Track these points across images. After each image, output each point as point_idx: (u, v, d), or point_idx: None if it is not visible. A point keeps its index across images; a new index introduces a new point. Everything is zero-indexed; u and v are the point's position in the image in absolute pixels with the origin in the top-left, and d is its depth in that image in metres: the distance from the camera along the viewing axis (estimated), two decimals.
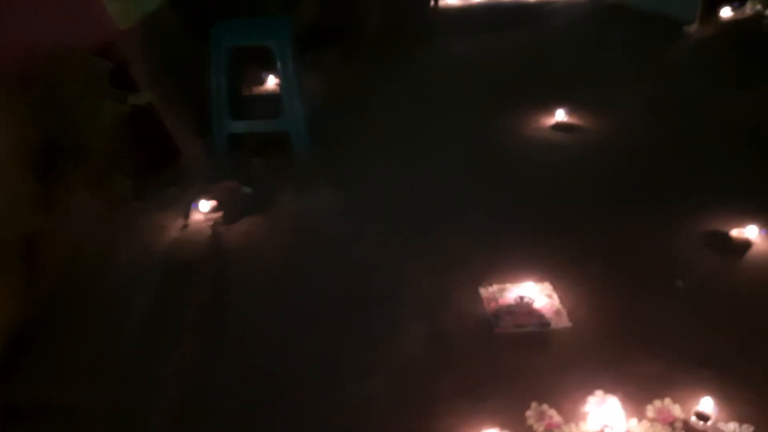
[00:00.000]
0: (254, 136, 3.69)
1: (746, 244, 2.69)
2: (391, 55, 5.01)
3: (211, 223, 3.02)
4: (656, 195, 3.11)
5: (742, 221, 2.78)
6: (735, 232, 2.75)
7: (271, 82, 4.37)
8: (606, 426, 1.92)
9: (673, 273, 2.55)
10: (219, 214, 3.08)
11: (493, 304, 2.45)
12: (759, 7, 5.09)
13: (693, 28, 5.15)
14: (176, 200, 3.17)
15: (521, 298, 2.46)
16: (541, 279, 2.55)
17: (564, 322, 2.35)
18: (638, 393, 2.02)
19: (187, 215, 3.06)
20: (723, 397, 1.98)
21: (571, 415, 1.98)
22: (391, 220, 3.03)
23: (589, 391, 2.03)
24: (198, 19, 3.76)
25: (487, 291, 2.52)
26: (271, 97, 4.11)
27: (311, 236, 2.95)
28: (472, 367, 2.17)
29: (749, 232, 2.73)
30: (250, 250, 2.86)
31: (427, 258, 2.73)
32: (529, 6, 6.19)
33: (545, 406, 2.00)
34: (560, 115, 3.91)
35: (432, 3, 6.03)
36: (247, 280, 2.68)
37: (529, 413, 1.99)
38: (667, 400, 1.99)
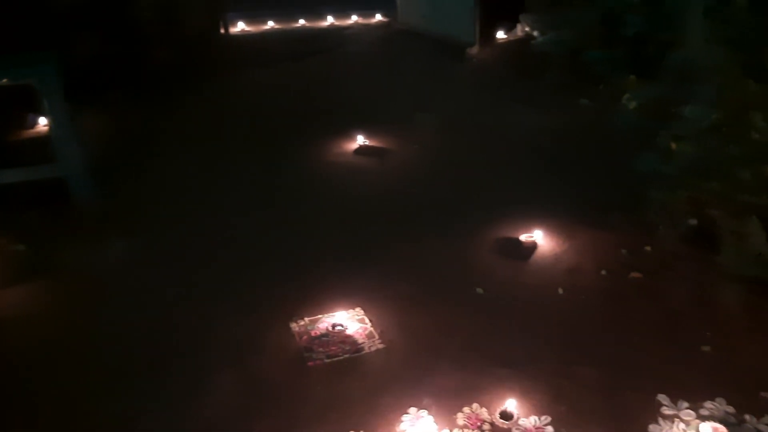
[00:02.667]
0: (25, 185, 3.27)
1: (533, 247, 2.92)
2: (182, 88, 4.79)
3: None
4: (453, 211, 3.28)
5: (529, 227, 3.01)
6: (524, 237, 2.97)
7: (44, 124, 3.93)
8: None
9: (473, 283, 2.68)
10: None
11: (305, 338, 2.39)
12: (527, 29, 5.68)
13: (474, 50, 5.60)
14: None
15: (333, 326, 2.43)
16: (352, 305, 2.54)
17: (376, 344, 2.36)
18: (449, 403, 2.08)
19: None
20: (522, 394, 2.11)
21: None
22: (191, 265, 2.85)
23: (404, 410, 2.04)
24: None
25: (298, 325, 2.45)
26: (44, 141, 3.67)
27: (101, 294, 2.68)
28: (287, 408, 2.09)
29: (536, 236, 2.96)
30: (26, 320, 2.51)
31: (234, 301, 2.60)
32: (322, 32, 6.32)
33: None
34: (361, 140, 3.99)
35: (222, 30, 5.89)
36: (24, 355, 2.34)
37: None
38: (475, 406, 2.07)
